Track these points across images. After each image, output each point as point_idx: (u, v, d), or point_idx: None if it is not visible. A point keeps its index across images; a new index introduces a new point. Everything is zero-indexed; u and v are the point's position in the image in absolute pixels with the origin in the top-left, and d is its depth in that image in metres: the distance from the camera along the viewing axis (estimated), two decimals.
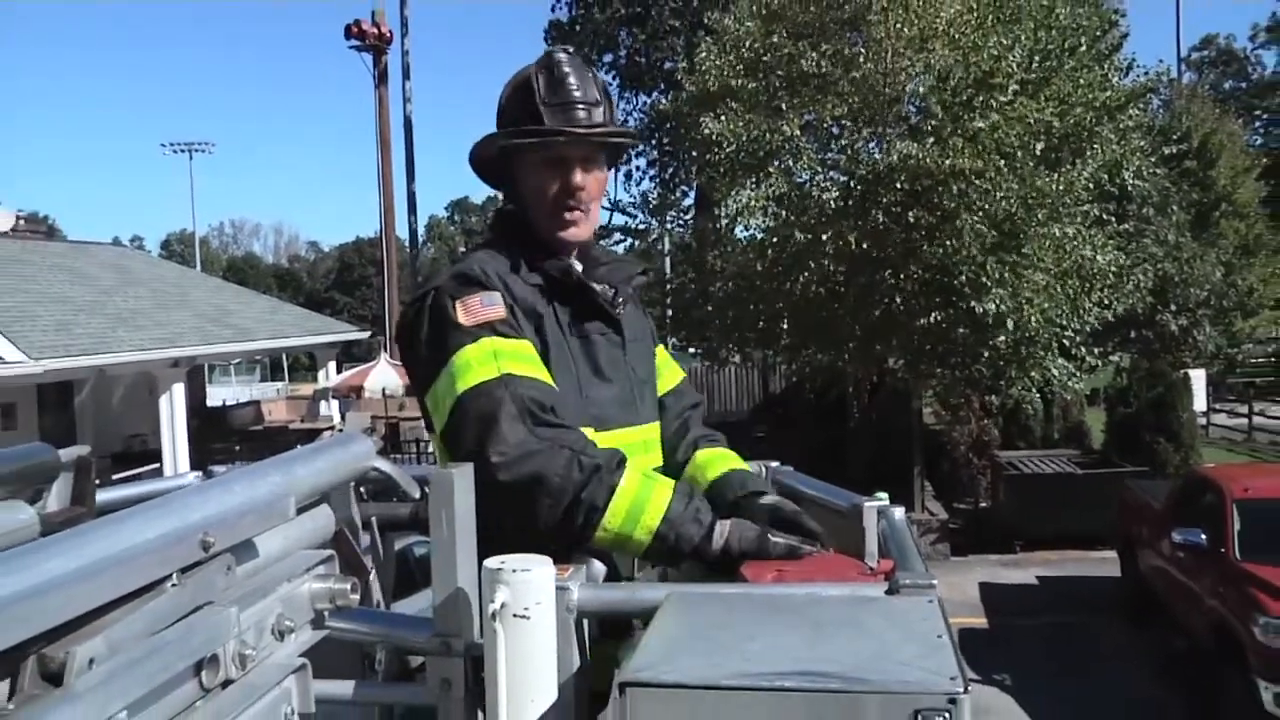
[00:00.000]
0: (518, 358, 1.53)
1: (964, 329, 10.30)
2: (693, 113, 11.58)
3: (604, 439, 1.59)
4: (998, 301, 9.79)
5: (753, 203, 10.45)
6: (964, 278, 9.97)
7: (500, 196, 1.86)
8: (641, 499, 1.47)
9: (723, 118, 10.49)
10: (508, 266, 1.65)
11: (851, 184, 10.40)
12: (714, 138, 10.48)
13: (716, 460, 1.82)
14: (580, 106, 1.67)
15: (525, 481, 1.43)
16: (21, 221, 18.85)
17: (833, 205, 10.11)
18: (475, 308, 1.55)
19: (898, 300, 10.43)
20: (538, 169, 1.69)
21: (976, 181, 9.68)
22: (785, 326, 11.29)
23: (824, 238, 10.19)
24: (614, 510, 1.45)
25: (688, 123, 11.97)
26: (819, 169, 10.82)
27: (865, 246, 10.28)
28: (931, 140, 9.88)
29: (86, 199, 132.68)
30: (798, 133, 10.53)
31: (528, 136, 1.67)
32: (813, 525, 1.58)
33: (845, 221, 10.26)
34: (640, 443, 1.70)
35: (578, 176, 1.68)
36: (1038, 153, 10.00)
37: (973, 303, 9.84)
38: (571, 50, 1.76)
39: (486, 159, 1.78)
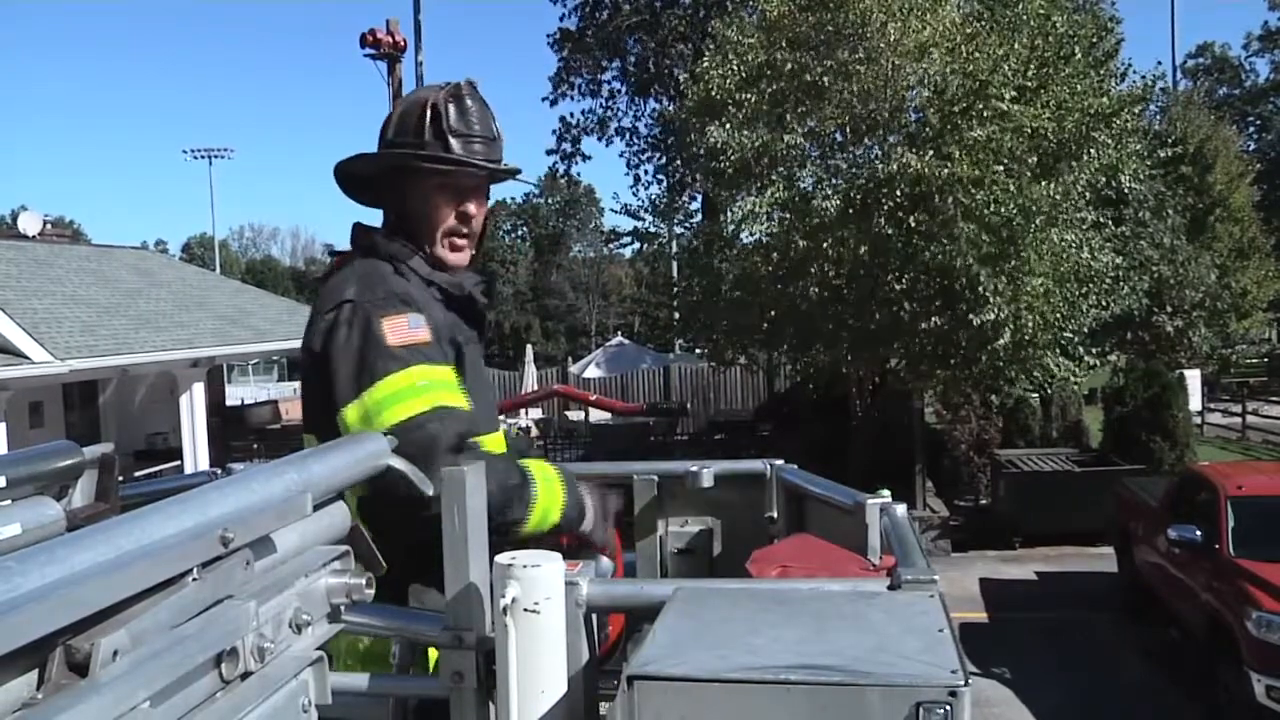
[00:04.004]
0: (446, 387, 1.55)
1: (964, 332, 10.31)
2: (696, 121, 11.56)
3: (492, 441, 1.67)
4: (995, 311, 9.80)
5: (756, 209, 10.44)
6: (961, 285, 9.98)
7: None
8: (549, 505, 1.61)
9: (727, 125, 10.46)
10: (419, 284, 1.65)
11: (852, 194, 10.38)
12: (719, 146, 10.46)
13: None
14: (482, 140, 1.72)
15: None
16: (49, 226, 18.72)
17: (833, 212, 10.08)
18: (403, 329, 1.54)
19: (901, 304, 10.43)
20: (435, 194, 1.71)
21: (974, 190, 9.67)
22: (789, 329, 11.28)
23: (825, 245, 10.18)
24: (531, 521, 1.57)
25: (693, 130, 11.95)
26: (821, 175, 10.81)
27: (865, 252, 10.28)
28: (930, 150, 9.86)
29: (111, 203, 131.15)
30: (800, 140, 10.51)
31: (439, 162, 1.69)
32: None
33: (847, 228, 10.25)
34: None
35: (471, 207, 1.74)
36: (1034, 160, 9.98)
37: (970, 315, 9.85)
38: (476, 84, 1.79)
39: (362, 172, 1.77)
